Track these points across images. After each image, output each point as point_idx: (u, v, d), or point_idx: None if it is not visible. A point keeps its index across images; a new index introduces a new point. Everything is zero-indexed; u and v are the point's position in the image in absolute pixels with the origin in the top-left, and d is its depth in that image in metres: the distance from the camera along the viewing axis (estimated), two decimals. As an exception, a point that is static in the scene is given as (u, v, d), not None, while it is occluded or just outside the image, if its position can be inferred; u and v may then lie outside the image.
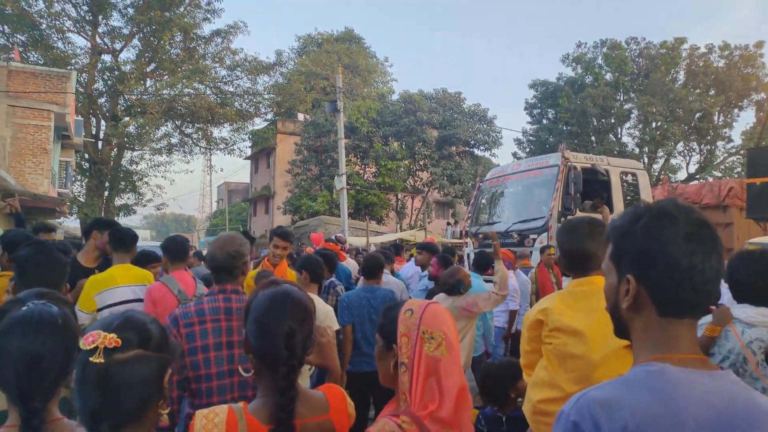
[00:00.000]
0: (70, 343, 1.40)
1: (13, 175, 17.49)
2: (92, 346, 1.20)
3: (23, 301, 1.47)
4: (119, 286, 3.82)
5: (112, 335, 1.22)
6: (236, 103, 29.58)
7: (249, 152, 39.34)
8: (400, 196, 30.64)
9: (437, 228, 28.98)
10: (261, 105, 31.13)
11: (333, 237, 10.03)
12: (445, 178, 28.44)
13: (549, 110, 33.97)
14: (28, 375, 1.34)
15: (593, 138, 31.89)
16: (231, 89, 29.78)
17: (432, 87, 60.09)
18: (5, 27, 25.38)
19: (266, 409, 1.54)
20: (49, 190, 19.62)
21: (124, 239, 4.06)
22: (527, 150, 33.59)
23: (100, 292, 3.76)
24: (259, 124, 34.67)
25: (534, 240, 9.08)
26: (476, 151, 30.94)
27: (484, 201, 11.60)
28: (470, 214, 11.65)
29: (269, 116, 34.32)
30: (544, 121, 34.33)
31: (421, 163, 29.68)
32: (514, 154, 34.24)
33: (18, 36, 25.69)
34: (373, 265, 4.97)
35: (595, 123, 31.80)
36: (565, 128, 31.63)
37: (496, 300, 4.56)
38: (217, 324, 2.58)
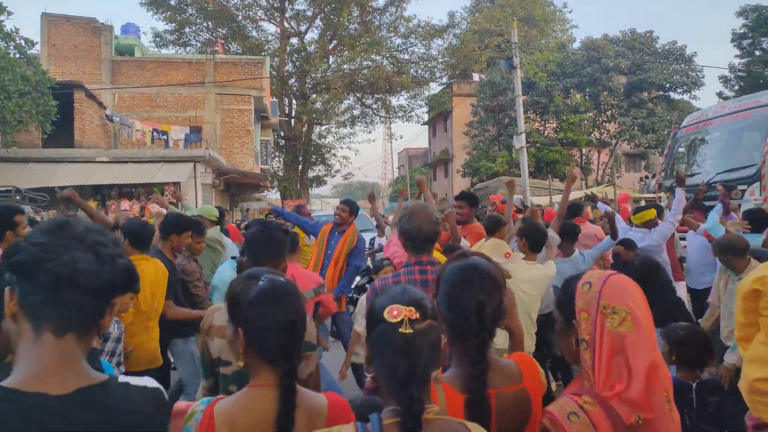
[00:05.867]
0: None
1: (224, 156, 19.86)
2: (398, 318, 1.31)
3: (257, 276, 1.63)
4: None
5: (410, 308, 1.33)
6: (412, 70, 30.10)
7: (426, 117, 39.86)
8: (584, 150, 28.92)
9: (628, 182, 26.89)
10: (436, 69, 31.31)
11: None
12: (636, 128, 26.14)
13: (763, 39, 29.23)
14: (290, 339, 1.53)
15: (825, 67, 26.89)
16: (406, 57, 30.37)
17: (618, 29, 55.08)
18: (210, 23, 28.59)
19: (460, 378, 1.58)
20: (254, 168, 21.93)
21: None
22: (736, 88, 29.35)
23: None
24: (434, 88, 35.00)
25: (743, 192, 8.03)
26: (673, 95, 27.90)
27: (681, 150, 10.51)
28: (665, 166, 10.65)
29: (444, 80, 34.35)
30: (757, 53, 29.66)
31: (608, 113, 27.60)
32: (719, 94, 30.16)
33: (220, 30, 28.80)
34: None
35: (828, 48, 26.76)
36: (785, 58, 27.09)
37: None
38: None
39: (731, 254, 4.01)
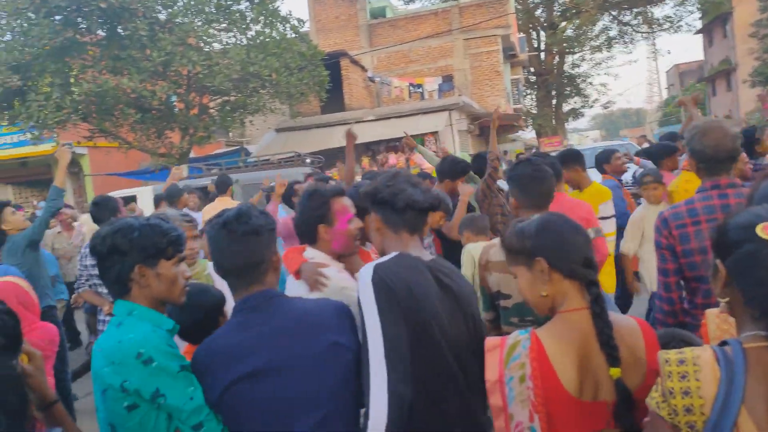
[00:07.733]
0: None
1: (476, 101, 20.08)
2: None
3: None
4: None
5: None
6: (678, -29, 26.28)
7: (699, 25, 34.73)
8: None
9: None
10: (709, -36, 26.84)
11: None
12: None
13: None
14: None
15: None
16: (669, -43, 26.58)
17: None
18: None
19: None
20: (506, 108, 21.72)
21: None
22: None
23: None
24: (708, -12, 30.05)
25: None
26: None
27: None
28: None
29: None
30: None
31: None
32: None
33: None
34: None
35: None
36: None
37: None
38: (713, 224, 2.39)
39: None
